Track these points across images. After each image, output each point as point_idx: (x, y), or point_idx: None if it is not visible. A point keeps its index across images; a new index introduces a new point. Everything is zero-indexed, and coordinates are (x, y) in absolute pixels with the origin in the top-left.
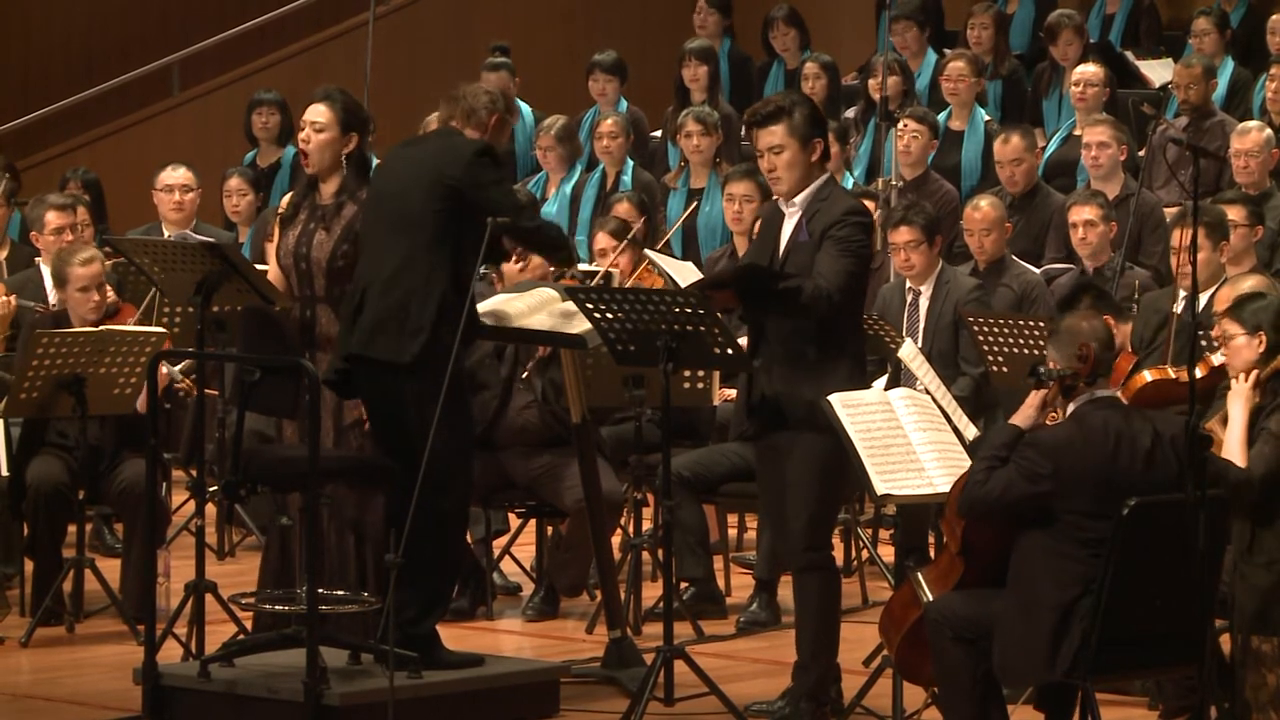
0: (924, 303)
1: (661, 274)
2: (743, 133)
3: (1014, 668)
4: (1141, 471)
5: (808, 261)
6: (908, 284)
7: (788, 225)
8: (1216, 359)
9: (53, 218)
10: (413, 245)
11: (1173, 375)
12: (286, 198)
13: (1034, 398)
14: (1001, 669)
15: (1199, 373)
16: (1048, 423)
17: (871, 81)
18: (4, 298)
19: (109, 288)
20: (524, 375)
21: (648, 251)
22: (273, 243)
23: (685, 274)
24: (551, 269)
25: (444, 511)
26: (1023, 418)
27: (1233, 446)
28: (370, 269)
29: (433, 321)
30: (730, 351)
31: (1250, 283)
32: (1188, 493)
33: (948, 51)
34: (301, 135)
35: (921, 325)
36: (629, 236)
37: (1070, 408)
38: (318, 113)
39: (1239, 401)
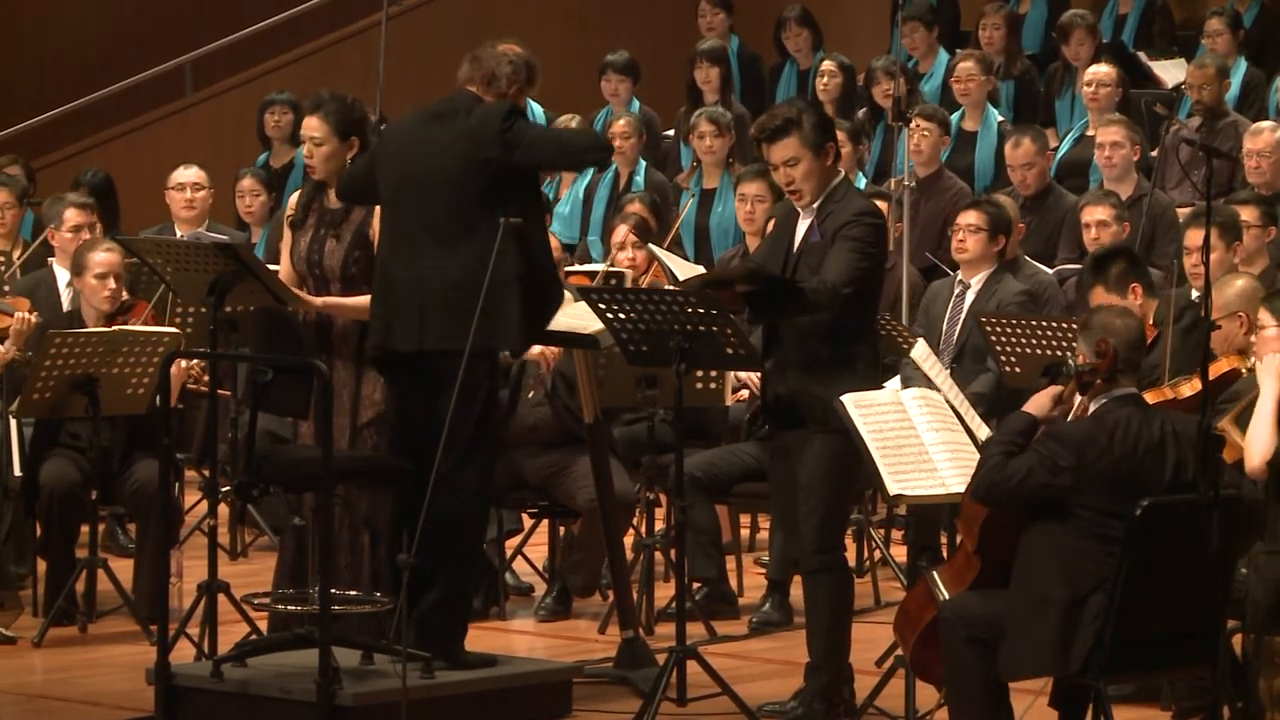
0: (970, 296)
1: (662, 267)
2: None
3: (1021, 663)
4: (1159, 471)
5: (819, 262)
6: (959, 276)
7: (801, 226)
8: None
9: (72, 215)
10: (470, 234)
11: (1170, 395)
12: (293, 198)
13: (1050, 389)
14: (1006, 665)
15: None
16: (1067, 418)
17: (876, 89)
18: (24, 314)
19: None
20: (516, 369)
21: (651, 246)
22: (285, 244)
23: (690, 272)
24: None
25: (468, 506)
26: (1036, 406)
27: (1263, 416)
28: (422, 262)
29: (512, 308)
30: (743, 352)
31: (1240, 281)
32: (1201, 493)
33: (959, 52)
34: (305, 150)
35: (962, 319)
36: (646, 236)
37: (1091, 406)
38: (313, 128)
39: (1271, 376)
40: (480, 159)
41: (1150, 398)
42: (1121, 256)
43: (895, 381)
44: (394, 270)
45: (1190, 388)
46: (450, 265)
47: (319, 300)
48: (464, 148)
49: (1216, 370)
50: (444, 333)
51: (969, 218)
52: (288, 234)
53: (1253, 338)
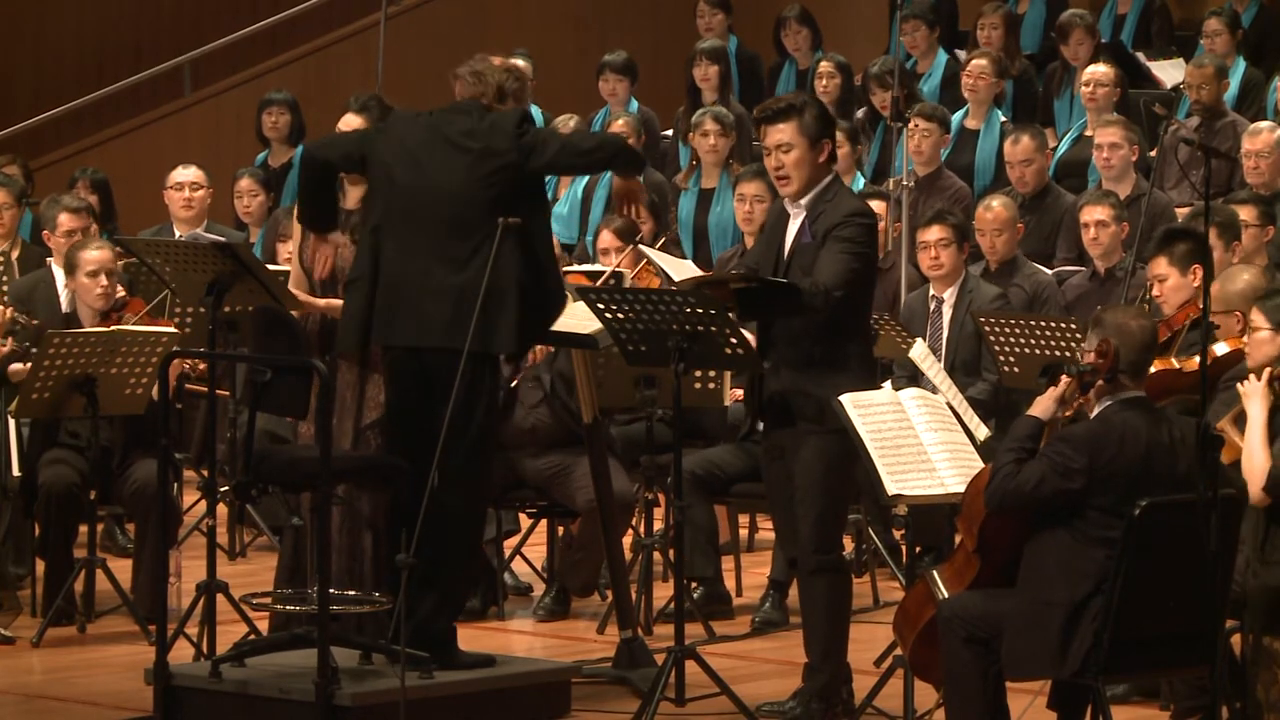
0: (947, 310)
1: (656, 269)
2: (754, 131)
3: (1022, 662)
4: (1168, 475)
5: (811, 263)
6: (930, 291)
7: (792, 226)
8: (1219, 348)
9: (65, 219)
10: (486, 241)
11: (1176, 365)
12: None
13: (1053, 390)
14: (1009, 663)
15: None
16: (1071, 418)
17: (873, 97)
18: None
19: (119, 286)
20: (513, 384)
21: (643, 247)
22: (285, 243)
23: (683, 271)
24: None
25: (466, 509)
26: (1041, 409)
27: (1254, 445)
28: (431, 267)
29: (509, 313)
30: (741, 352)
31: (1247, 276)
32: (1199, 493)
33: (959, 52)
34: None
35: (945, 334)
36: (635, 239)
37: (1096, 408)
38: (357, 127)
39: (1256, 400)
40: (496, 166)
41: (1156, 364)
42: (1192, 236)
43: (888, 386)
44: (396, 268)
45: (1195, 365)
46: (463, 271)
47: (321, 301)
48: (479, 155)
49: (1228, 345)
50: (443, 333)
51: (936, 233)
52: (296, 232)
53: (1246, 337)
